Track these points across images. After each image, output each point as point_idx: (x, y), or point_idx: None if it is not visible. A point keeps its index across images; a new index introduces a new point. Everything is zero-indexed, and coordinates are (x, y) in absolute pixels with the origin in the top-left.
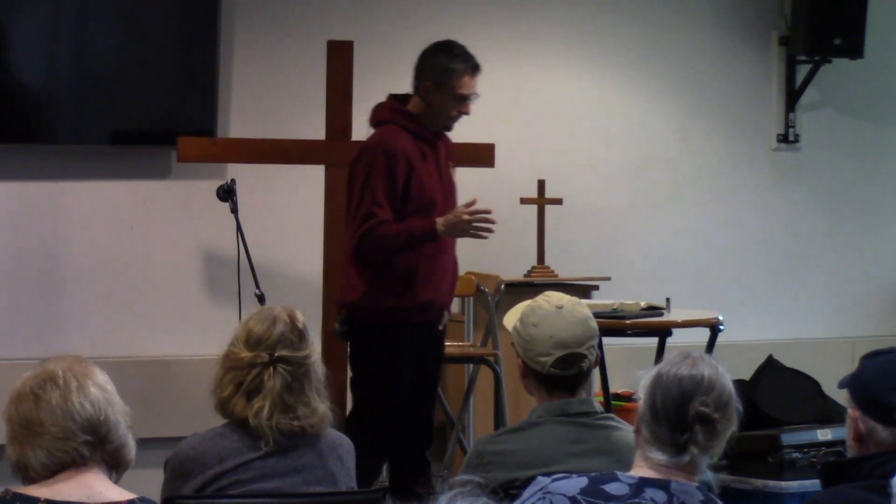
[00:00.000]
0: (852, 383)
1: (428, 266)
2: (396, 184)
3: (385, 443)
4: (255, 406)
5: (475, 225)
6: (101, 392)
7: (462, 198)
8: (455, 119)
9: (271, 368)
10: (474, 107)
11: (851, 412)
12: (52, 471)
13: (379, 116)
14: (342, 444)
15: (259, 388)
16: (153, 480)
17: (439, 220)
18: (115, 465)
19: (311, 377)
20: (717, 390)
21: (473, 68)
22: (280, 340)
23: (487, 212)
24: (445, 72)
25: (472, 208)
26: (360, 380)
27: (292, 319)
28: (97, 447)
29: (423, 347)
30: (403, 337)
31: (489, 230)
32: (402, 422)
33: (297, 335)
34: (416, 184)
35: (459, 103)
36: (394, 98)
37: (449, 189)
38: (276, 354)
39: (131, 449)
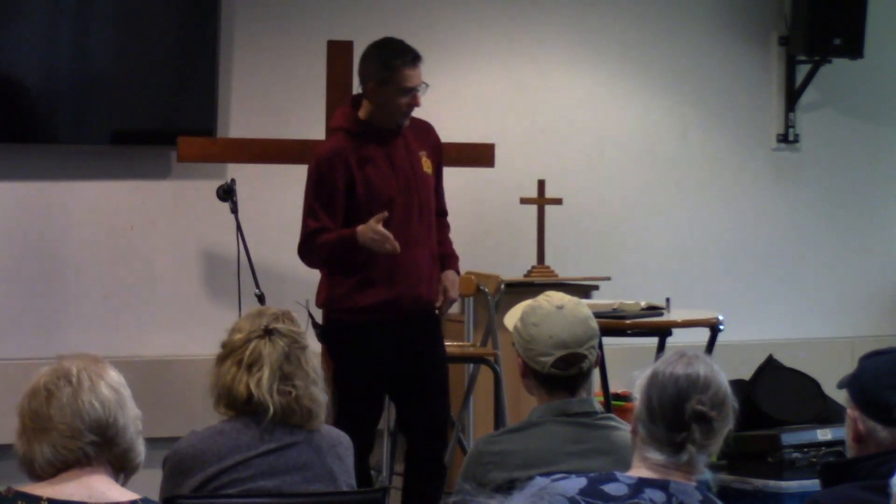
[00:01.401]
0: (852, 383)
1: (390, 262)
2: (336, 188)
3: (362, 446)
4: (255, 376)
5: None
6: (113, 394)
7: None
8: (407, 113)
9: (267, 338)
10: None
11: (851, 412)
12: (57, 468)
13: (331, 124)
14: (341, 442)
15: (258, 358)
16: (152, 480)
17: (359, 229)
18: (121, 469)
19: (308, 358)
20: (713, 388)
21: (413, 60)
22: (272, 319)
23: (387, 237)
24: (385, 68)
25: (379, 229)
26: (333, 381)
27: (283, 311)
28: (103, 448)
29: (403, 347)
30: (368, 337)
31: (387, 251)
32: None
33: (289, 318)
34: (362, 185)
35: (406, 96)
36: (351, 100)
37: (414, 183)
38: (271, 326)
39: (139, 454)
